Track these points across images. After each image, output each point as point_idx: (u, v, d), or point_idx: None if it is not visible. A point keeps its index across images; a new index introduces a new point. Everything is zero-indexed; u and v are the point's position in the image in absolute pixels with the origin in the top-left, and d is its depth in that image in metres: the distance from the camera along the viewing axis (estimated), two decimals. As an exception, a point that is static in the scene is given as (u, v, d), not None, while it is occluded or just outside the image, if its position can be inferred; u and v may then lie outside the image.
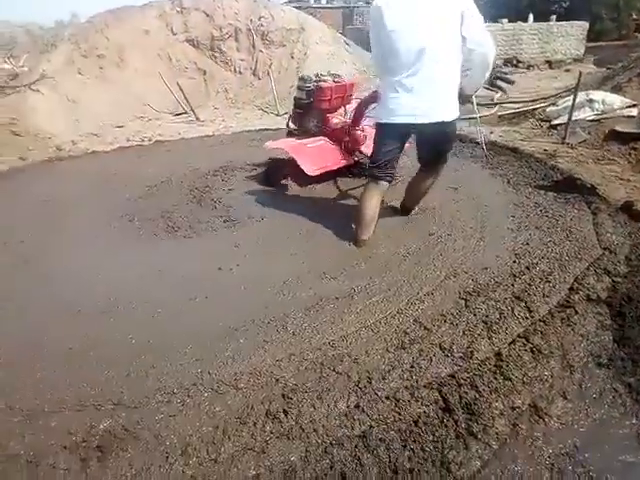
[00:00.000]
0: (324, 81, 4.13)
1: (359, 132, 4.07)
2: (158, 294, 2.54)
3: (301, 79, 4.34)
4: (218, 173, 4.49)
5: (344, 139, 4.14)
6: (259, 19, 8.78)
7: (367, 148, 4.02)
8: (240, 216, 3.51)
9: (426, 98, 2.65)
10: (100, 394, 1.84)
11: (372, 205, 2.95)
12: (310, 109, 4.25)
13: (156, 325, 2.28)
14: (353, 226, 3.11)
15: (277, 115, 7.59)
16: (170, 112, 7.72)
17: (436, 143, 2.93)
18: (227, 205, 3.73)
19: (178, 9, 8.64)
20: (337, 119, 4.28)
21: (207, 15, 8.62)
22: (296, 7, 11.38)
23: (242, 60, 8.75)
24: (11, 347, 2.14)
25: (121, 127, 6.94)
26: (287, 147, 3.90)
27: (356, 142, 4.11)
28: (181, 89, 7.41)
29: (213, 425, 1.68)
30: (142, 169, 4.80)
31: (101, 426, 1.69)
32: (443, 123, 2.70)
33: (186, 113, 7.61)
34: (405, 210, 3.39)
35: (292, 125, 4.48)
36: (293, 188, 4.03)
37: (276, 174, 4.17)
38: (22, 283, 2.70)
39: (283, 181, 4.09)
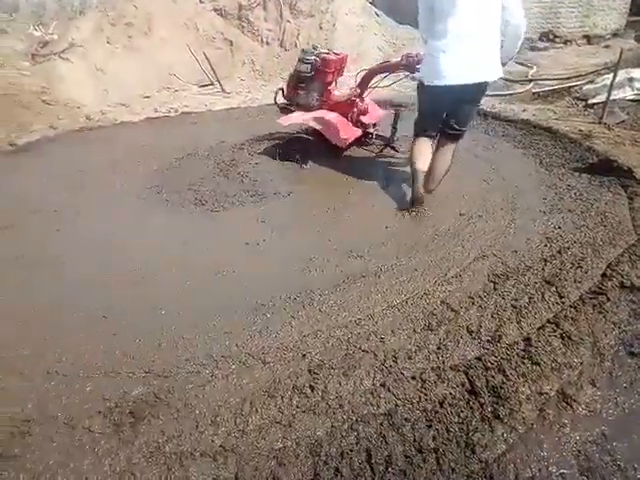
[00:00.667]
0: (327, 53, 4.10)
1: (363, 103, 4.13)
2: (186, 266, 2.58)
3: (303, 51, 4.22)
4: (244, 146, 4.47)
5: (350, 111, 4.11)
6: (288, -12, 8.58)
7: (369, 118, 4.22)
8: (266, 191, 3.51)
9: (470, 60, 2.84)
10: (132, 362, 1.90)
11: (425, 148, 3.18)
12: (312, 82, 4.14)
13: (185, 297, 2.32)
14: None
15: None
16: (196, 83, 7.67)
17: (470, 103, 3.10)
18: (253, 179, 3.73)
19: (206, -24, 8.48)
20: (338, 91, 4.22)
21: (235, -17, 8.45)
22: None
23: (269, 30, 8.58)
24: (47, 313, 2.21)
25: (148, 97, 6.94)
26: (310, 120, 3.89)
27: (361, 113, 4.14)
28: (208, 60, 7.34)
29: (241, 397, 1.72)
30: (169, 141, 4.80)
31: (133, 393, 1.75)
32: (483, 84, 2.95)
33: (212, 84, 7.55)
34: (427, 190, 3.28)
35: (283, 100, 4.35)
36: (318, 163, 3.99)
37: (295, 149, 4.09)
38: (54, 250, 2.77)
39: (300, 157, 4.03)
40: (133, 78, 7.14)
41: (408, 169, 3.33)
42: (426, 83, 2.97)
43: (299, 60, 4.19)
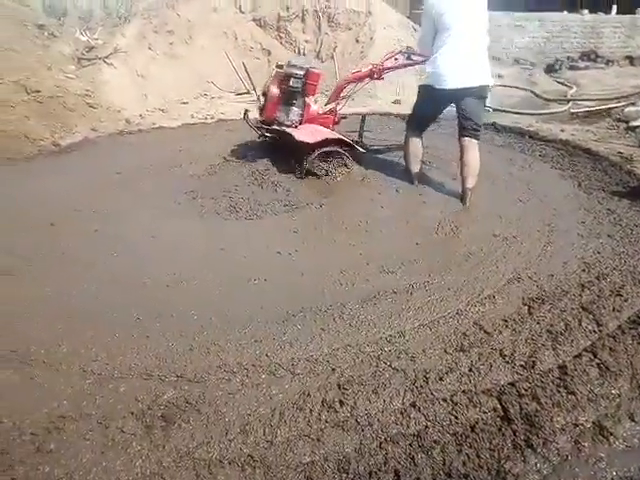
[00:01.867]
0: (313, 67, 4.16)
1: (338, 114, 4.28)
2: (219, 272, 2.62)
3: (292, 66, 4.13)
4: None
5: (330, 122, 4.19)
6: (327, 0, 8.67)
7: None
8: (299, 201, 3.53)
9: (468, 67, 3.35)
10: (165, 365, 1.93)
11: (418, 146, 3.76)
12: (299, 98, 4.13)
13: (217, 303, 2.35)
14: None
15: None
16: (233, 91, 7.81)
17: (471, 106, 3.47)
18: (287, 189, 3.75)
19: (248, -13, 8.66)
20: (316, 105, 4.24)
21: (276, -5, 8.60)
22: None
23: (307, 42, 8.69)
24: (84, 311, 2.26)
25: (185, 103, 7.10)
26: (330, 134, 3.95)
27: (336, 124, 4.28)
28: (245, 68, 7.47)
29: (270, 408, 1.72)
30: (205, 147, 4.90)
31: (165, 396, 1.77)
32: (480, 87, 3.40)
33: (248, 93, 7.67)
34: (468, 188, 3.50)
35: (259, 117, 4.25)
36: (350, 175, 4.00)
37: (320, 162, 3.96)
38: (92, 250, 2.84)
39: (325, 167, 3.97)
40: (172, 84, 7.33)
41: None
42: (437, 87, 3.39)
43: (290, 76, 4.07)
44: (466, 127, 3.51)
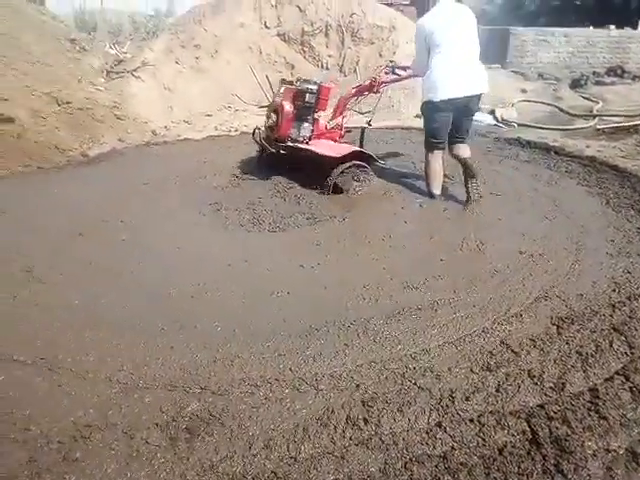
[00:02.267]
0: (324, 82, 4.19)
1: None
2: (243, 284, 2.63)
3: (305, 81, 4.15)
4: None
5: (337, 136, 4.26)
6: (351, 16, 8.77)
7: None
8: (322, 214, 3.54)
9: (467, 78, 3.54)
10: (189, 377, 1.93)
11: (439, 165, 3.78)
12: (312, 113, 4.14)
13: (241, 315, 2.36)
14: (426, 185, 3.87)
15: (360, 113, 7.59)
16: (256, 104, 7.91)
17: (468, 114, 3.72)
18: (309, 202, 3.77)
19: (273, 3, 8.80)
20: (323, 120, 4.27)
21: (300, 10, 8.72)
22: (386, 4, 11.24)
23: (330, 56, 8.78)
24: (110, 320, 2.29)
25: (210, 116, 7.22)
26: (354, 147, 4.01)
27: (341, 137, 4.34)
28: (269, 82, 7.57)
29: (294, 423, 1.71)
30: (228, 159, 4.96)
31: (189, 408, 1.77)
32: (479, 95, 3.65)
33: (271, 106, 7.77)
34: (471, 193, 3.71)
35: (270, 134, 4.16)
36: (372, 189, 4.00)
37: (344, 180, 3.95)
38: (119, 260, 2.89)
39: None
40: (197, 97, 7.46)
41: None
42: (438, 99, 3.52)
43: (304, 91, 4.06)
44: (462, 133, 3.74)
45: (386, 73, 4.28)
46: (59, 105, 5.43)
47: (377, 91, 4.24)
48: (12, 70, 5.32)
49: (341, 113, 4.31)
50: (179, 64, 7.77)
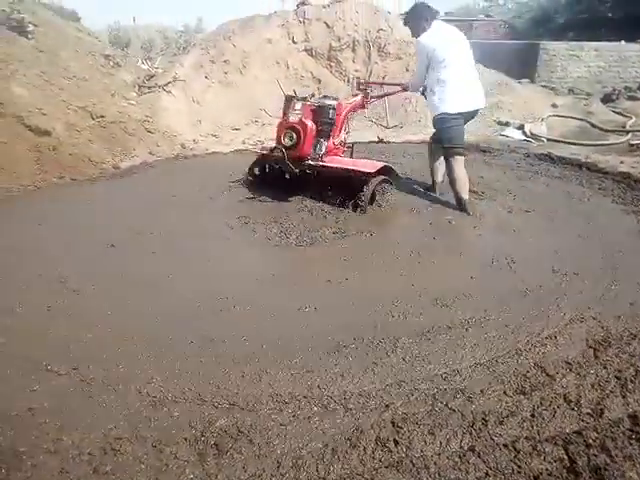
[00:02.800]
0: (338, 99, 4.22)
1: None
2: (270, 299, 2.63)
3: (324, 97, 4.18)
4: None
5: (341, 152, 4.27)
6: (378, 31, 8.83)
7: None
8: (349, 229, 3.53)
9: (471, 94, 3.77)
10: (217, 391, 1.93)
11: (463, 171, 3.85)
12: (329, 130, 4.08)
13: (269, 330, 2.35)
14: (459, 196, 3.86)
15: (386, 127, 7.59)
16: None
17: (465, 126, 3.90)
18: (337, 217, 3.77)
19: (301, 19, 8.94)
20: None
21: (328, 26, 8.82)
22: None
23: (356, 71, 8.84)
24: (140, 332, 2.32)
25: (237, 130, 7.33)
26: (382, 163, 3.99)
27: (343, 153, 4.36)
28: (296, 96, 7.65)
29: (323, 443, 1.68)
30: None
31: (217, 423, 1.77)
32: (479, 110, 3.94)
33: (298, 120, 7.84)
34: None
35: (287, 154, 3.88)
36: (397, 204, 3.97)
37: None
38: (150, 272, 2.93)
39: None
40: (224, 111, 7.58)
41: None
42: (455, 111, 3.70)
43: (326, 107, 4.05)
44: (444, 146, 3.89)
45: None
46: (93, 119, 5.59)
47: (366, 107, 4.43)
48: (51, 85, 5.50)
49: (342, 129, 4.26)
50: (208, 79, 7.93)
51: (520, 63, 9.72)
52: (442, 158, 4.05)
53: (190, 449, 1.67)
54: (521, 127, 6.98)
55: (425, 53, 3.71)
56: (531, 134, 6.68)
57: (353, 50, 8.96)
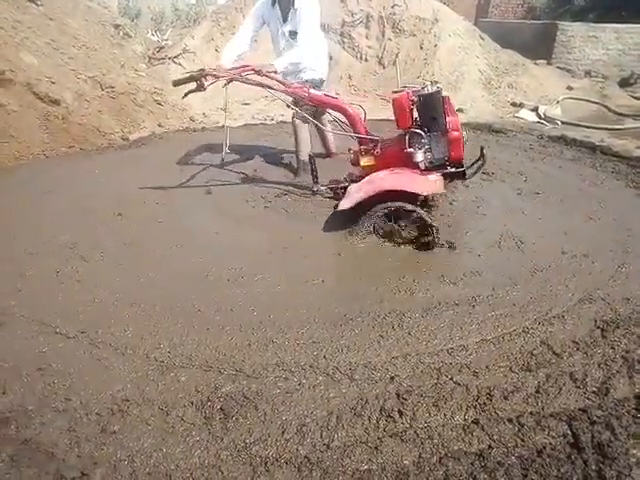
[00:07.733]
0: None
1: None
2: (280, 270, 2.63)
3: (435, 82, 2.96)
4: (338, 160, 4.51)
5: None
6: (392, 7, 8.63)
7: None
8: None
9: None
10: (224, 358, 1.95)
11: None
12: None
13: (276, 300, 2.36)
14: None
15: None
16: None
17: None
18: (346, 192, 3.73)
19: (314, -7, 8.76)
20: None
21: (341, 0, 8.64)
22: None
23: (369, 47, 8.68)
24: (148, 299, 2.33)
25: (247, 104, 7.26)
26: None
27: None
28: (307, 72, 7.55)
29: (328, 411, 1.70)
30: (267, 146, 4.99)
31: (223, 389, 1.79)
32: None
33: (308, 96, 7.75)
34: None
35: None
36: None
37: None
38: (156, 241, 2.93)
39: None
40: (235, 85, 7.50)
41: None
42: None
43: (432, 96, 2.91)
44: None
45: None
46: (102, 89, 5.55)
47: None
48: (60, 54, 5.45)
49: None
50: (218, 51, 7.81)
51: (537, 43, 9.49)
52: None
53: (196, 413, 1.69)
54: (535, 109, 6.85)
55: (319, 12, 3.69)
56: (544, 116, 6.56)
57: (366, 26, 8.77)
